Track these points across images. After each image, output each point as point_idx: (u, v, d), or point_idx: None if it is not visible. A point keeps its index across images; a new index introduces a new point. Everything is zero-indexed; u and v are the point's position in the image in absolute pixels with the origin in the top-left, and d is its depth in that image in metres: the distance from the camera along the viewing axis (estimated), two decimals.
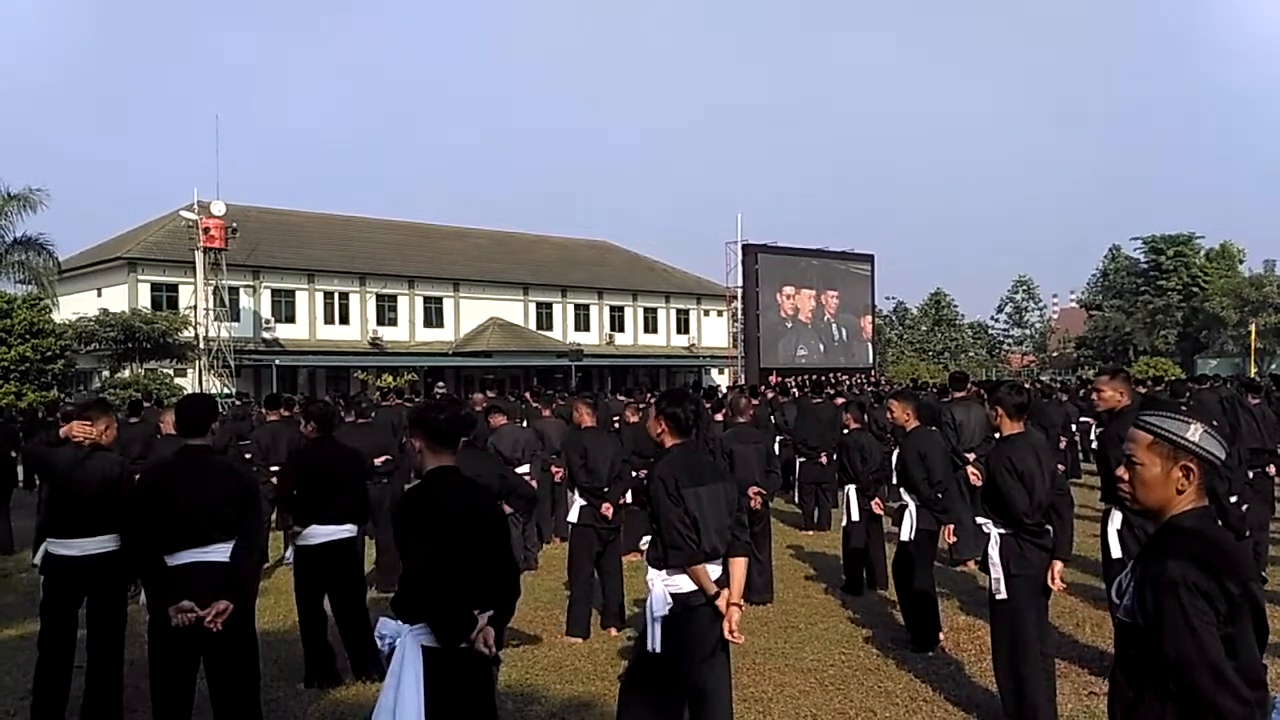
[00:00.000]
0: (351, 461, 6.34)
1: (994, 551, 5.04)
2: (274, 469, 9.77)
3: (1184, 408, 4.39)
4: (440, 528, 3.34)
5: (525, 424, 10.84)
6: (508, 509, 6.16)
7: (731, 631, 4.08)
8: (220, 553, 4.40)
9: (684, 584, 4.12)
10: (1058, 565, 5.14)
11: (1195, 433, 2.31)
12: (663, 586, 4.16)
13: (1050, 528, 5.13)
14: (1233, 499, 7.11)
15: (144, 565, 4.40)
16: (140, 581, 4.66)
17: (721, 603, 4.09)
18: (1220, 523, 2.47)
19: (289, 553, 6.47)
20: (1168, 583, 2.14)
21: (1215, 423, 2.47)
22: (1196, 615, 2.10)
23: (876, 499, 8.24)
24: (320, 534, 5.98)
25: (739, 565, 4.22)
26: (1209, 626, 2.10)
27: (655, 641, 4.14)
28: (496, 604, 3.45)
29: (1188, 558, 2.16)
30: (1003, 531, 5.06)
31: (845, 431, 9.03)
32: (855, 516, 8.23)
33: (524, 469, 9.18)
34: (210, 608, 4.23)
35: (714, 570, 4.17)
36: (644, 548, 5.99)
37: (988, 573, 5.11)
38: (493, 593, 3.45)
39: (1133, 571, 2.32)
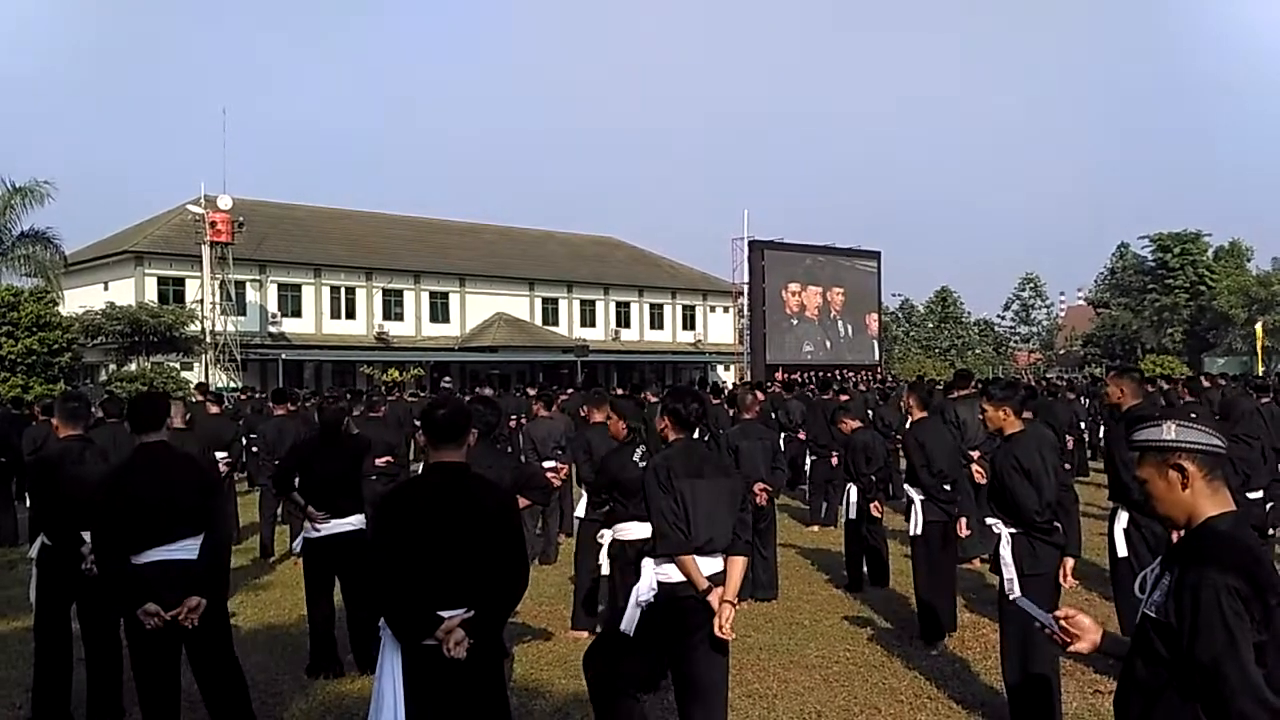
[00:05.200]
0: (354, 455, 6.40)
1: (1005, 551, 5.01)
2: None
3: (1192, 412, 4.39)
4: (412, 524, 3.31)
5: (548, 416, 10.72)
6: (524, 501, 6.14)
7: (721, 628, 4.01)
8: (188, 549, 4.34)
9: (673, 574, 4.08)
10: (1069, 562, 5.13)
11: (1170, 430, 2.37)
12: (651, 574, 4.14)
13: (1059, 525, 5.11)
14: (1259, 494, 7.11)
15: (108, 568, 4.32)
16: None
17: (714, 598, 4.02)
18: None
19: (297, 544, 6.48)
20: (1209, 586, 2.14)
21: (1194, 415, 2.54)
22: (1235, 620, 2.11)
23: (875, 501, 8.24)
24: (326, 526, 6.01)
25: (736, 564, 4.17)
26: (1245, 632, 2.11)
27: (631, 625, 4.12)
28: (479, 603, 3.31)
29: (1228, 562, 2.18)
30: (1013, 531, 5.03)
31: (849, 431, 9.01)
32: (854, 515, 8.28)
33: (549, 464, 9.15)
34: (183, 605, 4.17)
35: (711, 565, 4.11)
36: (602, 539, 6.01)
37: (999, 573, 5.07)
38: (472, 592, 3.31)
39: (1165, 570, 2.32)
